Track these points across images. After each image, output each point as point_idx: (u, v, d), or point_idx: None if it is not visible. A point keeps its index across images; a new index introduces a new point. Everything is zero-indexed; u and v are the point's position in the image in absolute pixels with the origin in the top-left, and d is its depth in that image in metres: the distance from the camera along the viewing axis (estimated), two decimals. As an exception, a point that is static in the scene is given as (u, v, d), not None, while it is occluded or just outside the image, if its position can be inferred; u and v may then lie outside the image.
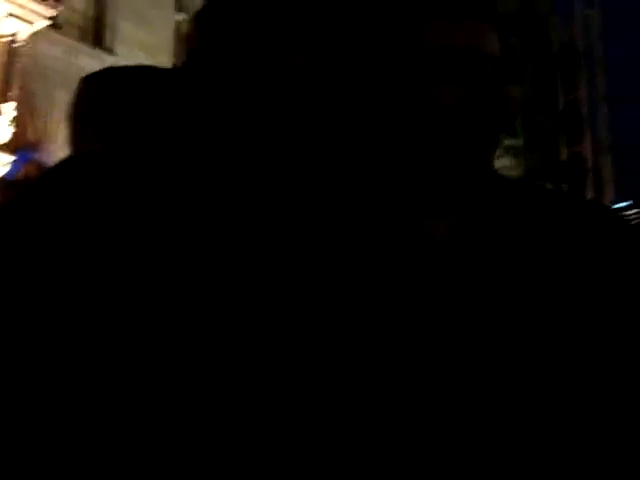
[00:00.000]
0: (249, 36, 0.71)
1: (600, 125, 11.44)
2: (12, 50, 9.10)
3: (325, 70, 0.72)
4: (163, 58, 12.34)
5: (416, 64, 0.77)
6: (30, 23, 9.21)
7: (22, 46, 9.27)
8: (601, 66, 11.57)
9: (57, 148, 7.98)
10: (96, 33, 11.42)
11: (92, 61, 10.91)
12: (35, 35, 9.53)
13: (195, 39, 0.78)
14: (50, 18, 9.55)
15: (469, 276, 0.80)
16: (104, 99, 0.91)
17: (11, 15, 8.86)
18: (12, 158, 8.58)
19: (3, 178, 8.46)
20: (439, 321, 0.77)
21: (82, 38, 11.06)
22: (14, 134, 8.83)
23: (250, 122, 0.72)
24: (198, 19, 0.78)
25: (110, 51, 11.39)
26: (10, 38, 9.09)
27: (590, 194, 11.02)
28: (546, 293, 0.79)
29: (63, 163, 0.74)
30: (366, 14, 0.77)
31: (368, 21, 0.77)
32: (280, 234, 0.71)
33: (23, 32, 9.23)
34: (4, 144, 8.70)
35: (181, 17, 13.33)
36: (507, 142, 16.40)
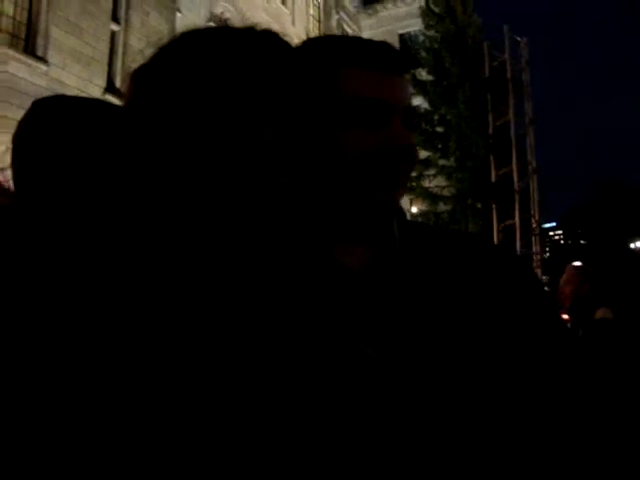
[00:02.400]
0: (185, 104, 0.75)
1: (527, 148, 11.82)
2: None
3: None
4: (98, 68, 12.17)
5: (328, 112, 0.83)
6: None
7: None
8: (528, 91, 11.96)
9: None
10: (28, 40, 11.13)
11: (22, 68, 10.66)
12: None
13: (130, 96, 0.81)
14: (-21, 23, 9.31)
15: (385, 306, 0.84)
16: (45, 130, 0.92)
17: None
18: None
19: None
20: (357, 352, 0.81)
21: (13, 44, 10.77)
22: (-63, 141, 8.53)
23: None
24: (136, 76, 0.81)
25: (42, 60, 11.11)
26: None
27: (517, 214, 11.35)
28: (457, 325, 0.84)
29: None
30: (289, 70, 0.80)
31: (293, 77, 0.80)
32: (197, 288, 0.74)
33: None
34: None
35: (116, 28, 13.18)
36: (441, 162, 16.75)
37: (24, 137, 0.95)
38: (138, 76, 0.81)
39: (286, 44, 0.82)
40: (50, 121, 0.92)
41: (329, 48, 0.88)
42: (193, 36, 0.80)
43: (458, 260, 0.90)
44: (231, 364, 0.72)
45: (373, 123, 0.84)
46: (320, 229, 0.87)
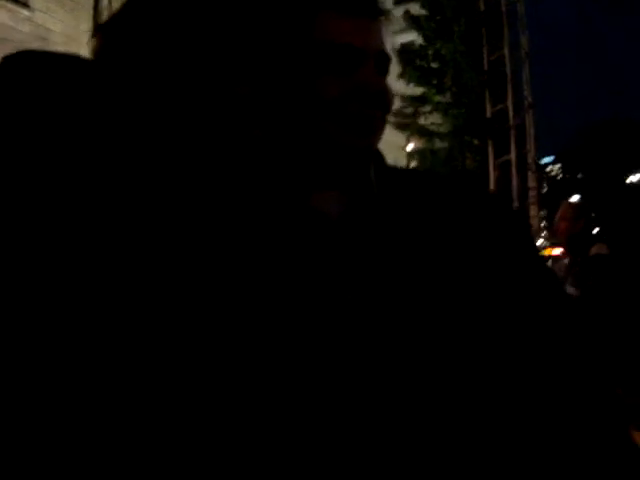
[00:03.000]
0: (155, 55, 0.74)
1: (523, 83, 11.70)
2: None
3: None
4: (83, 13, 11.89)
5: (303, 58, 0.83)
6: None
7: None
8: (524, 24, 11.76)
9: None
10: (8, -16, 10.84)
11: (6, 15, 10.42)
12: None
13: (100, 50, 0.79)
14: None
15: (362, 251, 0.84)
16: (15, 89, 0.89)
17: None
18: None
19: None
20: (338, 301, 0.80)
21: (-7, -10, 10.49)
22: None
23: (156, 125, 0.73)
24: (104, 29, 0.80)
25: (24, 4, 10.84)
26: None
27: (513, 150, 11.30)
28: (437, 271, 0.84)
29: None
30: (265, 16, 0.78)
31: (267, 22, 0.79)
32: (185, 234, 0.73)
33: None
34: None
35: (100, -31, 12.82)
36: (436, 98, 16.59)
37: None
38: (106, 29, 0.79)
39: None
40: (18, 82, 0.89)
41: None
42: None
43: (440, 205, 0.89)
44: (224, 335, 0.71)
45: (344, 69, 0.84)
46: (295, 176, 0.86)
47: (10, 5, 10.55)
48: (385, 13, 0.90)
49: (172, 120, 0.73)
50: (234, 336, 0.72)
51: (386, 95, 0.88)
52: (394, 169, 0.97)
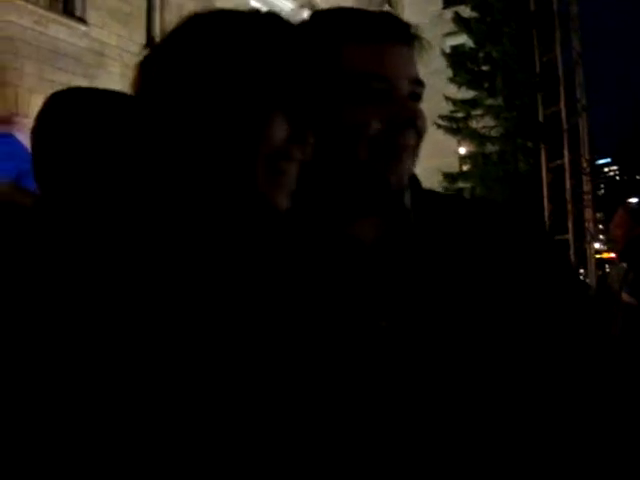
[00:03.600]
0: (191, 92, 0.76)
1: (576, 85, 11.43)
2: (-21, 21, 8.92)
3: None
4: (137, 26, 12.16)
5: (334, 91, 0.84)
6: (-3, -8, 9.04)
7: (-11, 17, 9.10)
8: (576, 25, 11.48)
9: (28, 121, 7.89)
10: (66, 1, 11.15)
11: (62, 30, 10.72)
12: (2, 4, 9.34)
13: (139, 85, 0.82)
14: (17, -13, 9.36)
15: (398, 278, 0.85)
16: (61, 127, 0.95)
17: (-23, -15, 8.68)
18: (-16, 132, 8.46)
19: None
20: (372, 325, 0.82)
21: (51, 6, 10.80)
22: (-15, 107, 8.71)
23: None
24: (143, 66, 0.82)
25: (81, 20, 11.13)
26: (-23, 9, 8.91)
27: (567, 154, 11.06)
28: (471, 298, 0.84)
29: None
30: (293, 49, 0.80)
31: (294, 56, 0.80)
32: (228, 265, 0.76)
33: (-10, 2, 9.06)
34: (-25, 117, 8.58)
35: (153, -17, 13.08)
36: (488, 101, 16.37)
37: (42, 133, 0.97)
38: (145, 66, 0.82)
39: (289, 25, 0.82)
40: (66, 118, 0.94)
41: (331, 24, 0.88)
42: (196, 23, 0.81)
43: (475, 232, 0.89)
44: (238, 345, 0.73)
45: (375, 98, 0.84)
46: (333, 205, 0.88)
47: (68, 21, 10.85)
48: (416, 39, 0.89)
49: (202, 151, 0.75)
50: (256, 347, 0.74)
51: (418, 119, 0.87)
52: (431, 193, 0.97)
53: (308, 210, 0.85)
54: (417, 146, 0.89)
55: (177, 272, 0.73)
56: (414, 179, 0.94)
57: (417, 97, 0.89)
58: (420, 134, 0.88)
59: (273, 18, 0.81)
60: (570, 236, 11.00)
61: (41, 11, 10.35)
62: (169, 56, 0.79)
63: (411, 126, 0.86)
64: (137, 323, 0.69)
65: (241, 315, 0.74)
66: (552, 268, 0.91)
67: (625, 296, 3.94)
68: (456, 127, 16.99)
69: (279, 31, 0.80)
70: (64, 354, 0.67)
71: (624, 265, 4.26)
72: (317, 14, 0.93)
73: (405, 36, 0.88)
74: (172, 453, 0.68)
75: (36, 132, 0.98)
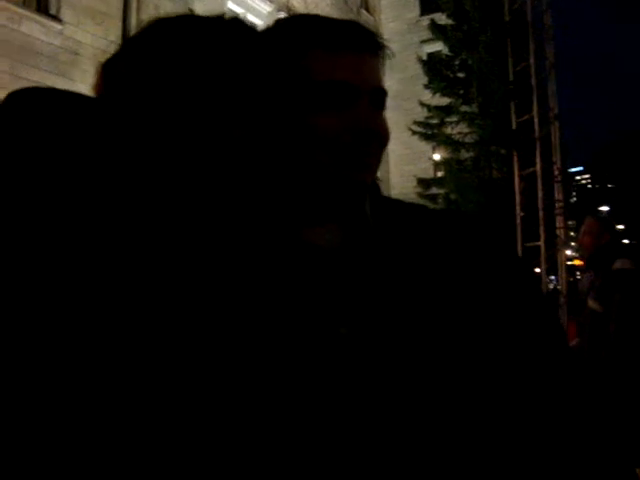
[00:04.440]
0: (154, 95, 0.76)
1: (548, 94, 11.55)
2: (-49, 17, 8.79)
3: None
4: (112, 25, 12.06)
5: (297, 96, 0.84)
6: (-31, -12, 8.91)
7: (-38, 12, 8.97)
8: (549, 35, 11.61)
9: None
10: (40, -1, 11.03)
11: (36, 28, 10.61)
12: (-25, 1, 9.23)
13: (101, 88, 0.82)
14: (-10, -17, 9.24)
15: (356, 284, 0.85)
16: (19, 129, 0.93)
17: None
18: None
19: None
20: (331, 332, 0.82)
21: (25, 4, 10.68)
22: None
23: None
24: (105, 69, 0.82)
25: (56, 18, 11.02)
26: (-51, 4, 8.77)
27: (539, 161, 11.16)
28: (431, 304, 0.85)
29: None
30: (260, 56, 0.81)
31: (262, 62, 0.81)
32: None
33: (-38, -2, 8.93)
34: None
35: (129, -18, 12.98)
36: (463, 108, 16.48)
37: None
38: (107, 69, 0.82)
39: (254, 31, 0.82)
40: (24, 118, 0.92)
41: (296, 30, 0.88)
42: (160, 27, 0.81)
43: (434, 240, 0.90)
44: (213, 353, 0.73)
45: (339, 105, 0.85)
46: (290, 211, 0.88)
47: (42, 19, 10.74)
48: (382, 47, 0.90)
49: (168, 155, 0.75)
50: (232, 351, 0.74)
51: (381, 130, 0.88)
52: (390, 201, 0.98)
53: (266, 216, 0.85)
54: (379, 155, 0.90)
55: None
56: (375, 186, 0.95)
57: (381, 106, 0.89)
58: (382, 143, 0.89)
59: (237, 23, 0.82)
60: (542, 243, 11.09)
61: (15, 8, 10.23)
62: (131, 60, 0.79)
63: (374, 135, 0.87)
64: (133, 322, 0.70)
65: (197, 319, 0.74)
66: (513, 279, 0.92)
67: (591, 302, 4.01)
68: (431, 133, 17.10)
69: (242, 36, 0.80)
70: (63, 354, 0.66)
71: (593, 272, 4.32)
72: (283, 20, 0.93)
73: (371, 45, 0.89)
74: (169, 451, 0.68)
75: None
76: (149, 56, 0.78)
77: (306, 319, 0.82)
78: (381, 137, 0.88)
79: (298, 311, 0.82)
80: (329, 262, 0.87)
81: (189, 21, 0.81)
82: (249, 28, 0.82)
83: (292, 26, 0.90)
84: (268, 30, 0.90)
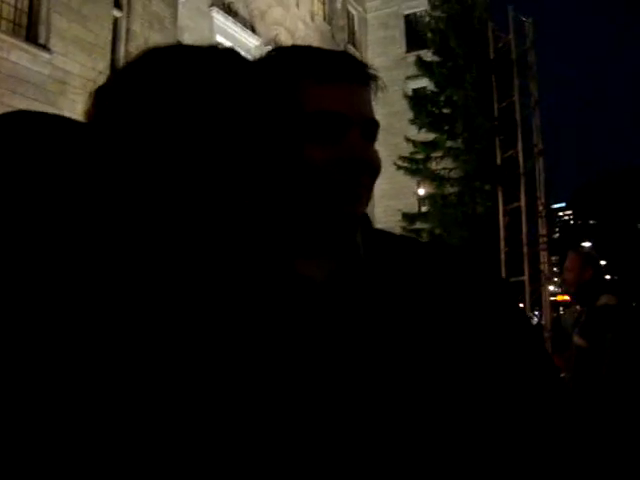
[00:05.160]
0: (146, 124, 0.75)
1: (533, 129, 11.74)
2: (-61, 44, 8.81)
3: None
4: (101, 55, 12.15)
5: (287, 126, 0.82)
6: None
7: (-50, 40, 9.00)
8: (533, 72, 11.84)
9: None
10: (29, 28, 11.10)
11: (25, 57, 10.66)
12: (-36, 29, 9.26)
13: (92, 113, 0.81)
14: (-20, 12, 9.29)
15: (347, 316, 0.84)
16: (8, 152, 0.93)
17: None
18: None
19: None
20: (321, 365, 0.81)
21: (14, 32, 10.75)
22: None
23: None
24: (98, 95, 0.81)
25: (45, 47, 11.09)
26: (-63, 32, 8.79)
27: (523, 197, 11.29)
28: (422, 336, 0.84)
29: None
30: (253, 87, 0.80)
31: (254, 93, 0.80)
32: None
33: (-49, 26, 8.96)
34: None
35: (119, 14, 13.12)
36: (448, 144, 16.71)
37: None
38: (99, 96, 0.81)
39: (247, 61, 0.82)
40: (12, 139, 0.92)
41: (287, 61, 0.88)
42: (154, 55, 0.80)
43: (426, 272, 0.90)
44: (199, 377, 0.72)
45: (331, 137, 0.84)
46: (281, 242, 0.87)
47: (31, 48, 10.80)
48: (374, 79, 0.90)
49: (157, 184, 0.74)
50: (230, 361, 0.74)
51: (373, 162, 0.87)
52: (381, 233, 0.97)
53: (259, 247, 0.83)
54: (371, 186, 0.89)
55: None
56: (365, 218, 0.94)
57: (373, 137, 0.89)
58: (374, 174, 0.88)
59: (230, 54, 0.81)
60: (526, 278, 11.17)
61: (4, 36, 10.28)
62: (125, 87, 0.78)
63: (366, 166, 0.86)
64: (133, 322, 0.69)
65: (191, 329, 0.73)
66: (503, 311, 0.91)
67: (576, 338, 4.01)
68: (416, 168, 17.30)
69: (236, 66, 0.80)
70: (62, 354, 0.66)
71: (577, 307, 4.33)
72: (276, 51, 0.92)
73: (363, 76, 0.88)
74: (168, 451, 0.68)
75: None
76: (142, 84, 0.77)
77: (295, 351, 0.81)
78: (372, 168, 0.87)
79: (287, 343, 0.81)
80: (320, 295, 0.86)
81: (183, 50, 0.81)
82: (242, 58, 0.82)
83: (283, 57, 0.90)
84: (260, 61, 0.90)
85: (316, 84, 0.85)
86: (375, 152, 0.88)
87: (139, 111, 0.76)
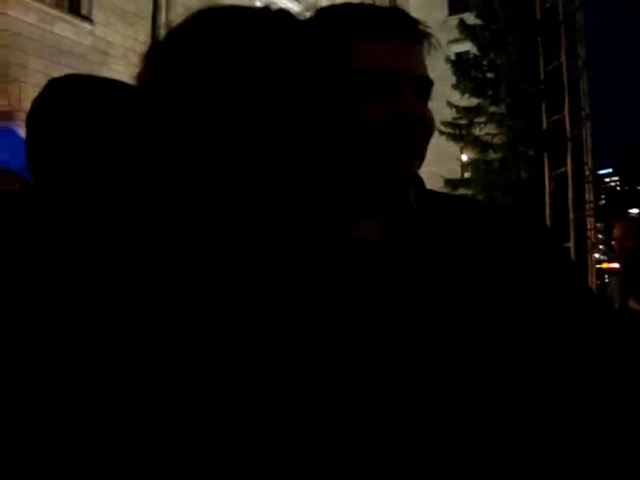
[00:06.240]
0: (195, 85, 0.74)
1: (580, 93, 11.44)
2: (-15, 17, 8.93)
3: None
4: (142, 25, 12.17)
5: (341, 85, 0.82)
6: (3, -11, 9.03)
7: (-5, 13, 9.10)
8: (582, 33, 11.50)
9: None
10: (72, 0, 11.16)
11: (68, 28, 10.73)
12: (9, 1, 9.35)
13: (143, 77, 0.80)
14: (24, -16, 9.37)
15: (400, 278, 0.83)
16: (58, 113, 0.93)
17: (-17, -19, 8.68)
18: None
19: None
20: (373, 327, 0.80)
21: (57, 4, 10.81)
22: (-12, 103, 8.71)
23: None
24: (148, 58, 0.81)
25: (87, 18, 11.14)
26: (-18, 5, 8.91)
27: (570, 162, 11.06)
28: (475, 298, 0.82)
29: None
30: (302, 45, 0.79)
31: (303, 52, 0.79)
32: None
33: (-4, -2, 9.06)
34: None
35: (159, -17, 13.09)
36: (491, 109, 16.38)
37: (37, 119, 0.95)
38: (152, 57, 0.81)
39: (299, 21, 0.81)
40: (64, 104, 0.92)
41: (339, 20, 0.86)
42: (207, 16, 0.79)
43: (479, 231, 0.88)
44: (237, 347, 0.71)
45: (384, 94, 0.83)
46: (335, 202, 0.86)
47: (74, 20, 10.86)
48: (426, 36, 0.88)
49: (210, 144, 0.73)
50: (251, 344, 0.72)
51: (427, 120, 0.86)
52: (434, 194, 0.96)
53: (311, 209, 0.82)
54: (425, 145, 0.88)
55: (175, 270, 0.71)
56: (418, 179, 0.92)
57: (426, 96, 0.88)
58: (428, 133, 0.87)
59: (283, 14, 0.80)
60: (572, 244, 10.99)
61: (47, 9, 10.36)
62: (176, 49, 0.77)
63: (420, 124, 0.85)
64: (135, 321, 0.68)
65: (243, 315, 0.72)
66: (557, 270, 0.89)
67: (633, 304, 3.93)
68: (459, 134, 16.99)
69: (288, 26, 0.79)
70: (62, 354, 0.65)
71: (625, 276, 4.24)
72: (325, 10, 0.91)
73: (415, 33, 0.87)
74: (169, 451, 0.67)
75: (31, 117, 0.96)
76: (193, 46, 0.76)
77: (349, 314, 0.80)
78: (427, 127, 0.86)
79: (341, 305, 0.80)
80: (374, 256, 0.85)
81: (237, 11, 0.79)
82: (294, 18, 0.80)
83: (335, 14, 0.88)
84: (312, 20, 0.88)
85: (367, 41, 0.84)
86: (429, 111, 0.87)
87: (189, 73, 0.75)
